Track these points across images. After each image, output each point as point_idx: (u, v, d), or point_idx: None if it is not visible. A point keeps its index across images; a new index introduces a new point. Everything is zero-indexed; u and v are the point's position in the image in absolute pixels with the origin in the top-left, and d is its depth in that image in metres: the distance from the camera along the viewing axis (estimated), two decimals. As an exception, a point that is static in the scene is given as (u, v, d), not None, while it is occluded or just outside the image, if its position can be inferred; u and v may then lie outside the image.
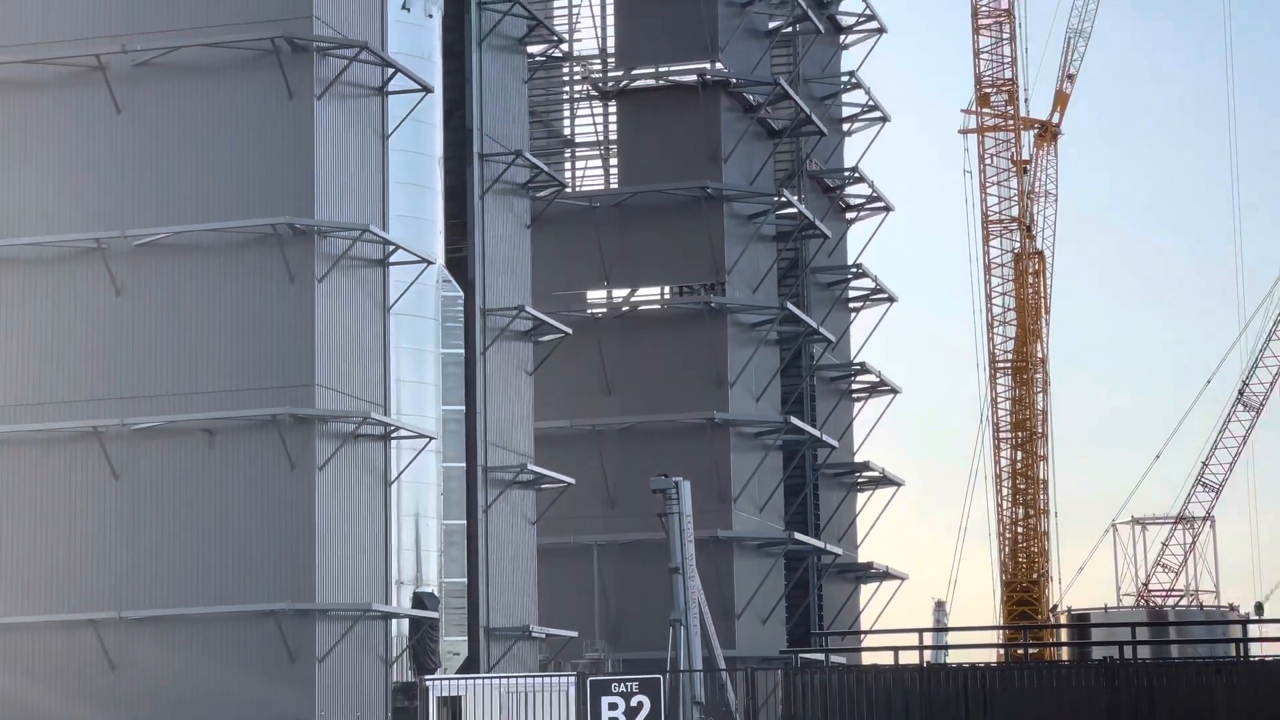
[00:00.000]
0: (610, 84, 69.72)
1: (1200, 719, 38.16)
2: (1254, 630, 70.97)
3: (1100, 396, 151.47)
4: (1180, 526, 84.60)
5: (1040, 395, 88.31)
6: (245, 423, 46.30)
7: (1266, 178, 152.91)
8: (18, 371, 48.09)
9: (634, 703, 41.01)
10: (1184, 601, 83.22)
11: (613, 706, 41.07)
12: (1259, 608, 79.15)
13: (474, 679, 45.98)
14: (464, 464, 53.04)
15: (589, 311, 67.88)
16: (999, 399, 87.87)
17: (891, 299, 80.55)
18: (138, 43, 47.71)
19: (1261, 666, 40.10)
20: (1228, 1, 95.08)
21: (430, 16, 51.99)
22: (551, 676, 44.79)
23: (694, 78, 68.37)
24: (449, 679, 46.89)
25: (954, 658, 45.77)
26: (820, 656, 69.35)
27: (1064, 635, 78.66)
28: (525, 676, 45.97)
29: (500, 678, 46.03)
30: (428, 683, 45.26)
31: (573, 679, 42.56)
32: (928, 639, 70.72)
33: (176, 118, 47.89)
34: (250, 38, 47.11)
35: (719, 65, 68.12)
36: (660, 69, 69.09)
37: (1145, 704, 38.27)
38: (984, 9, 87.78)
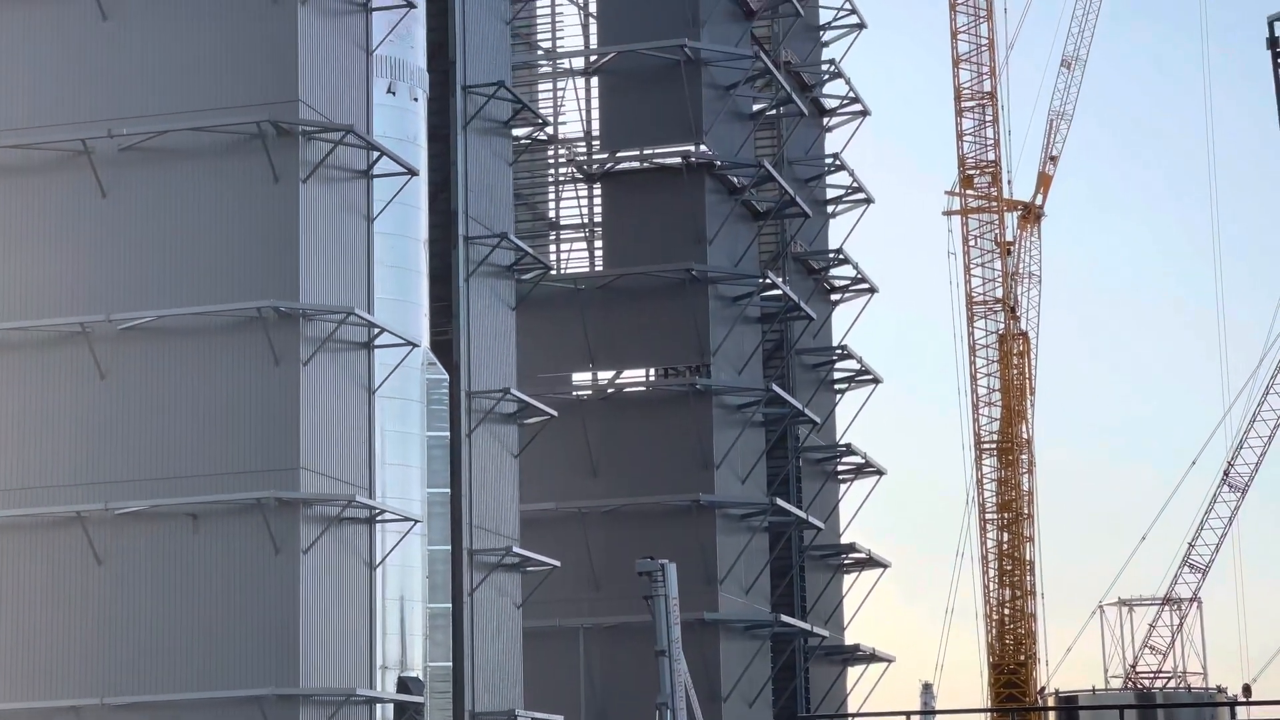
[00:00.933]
0: (595, 166, 69.94)
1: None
2: (1241, 712, 70.81)
3: (1086, 477, 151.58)
4: (1167, 608, 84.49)
5: (1026, 476, 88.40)
6: (229, 506, 46.13)
7: (1250, 256, 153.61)
8: (0, 456, 47.91)
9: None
10: (1172, 683, 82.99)
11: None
12: (1246, 689, 78.93)
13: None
14: (449, 547, 52.86)
15: (574, 394, 67.85)
16: (985, 480, 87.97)
17: (877, 380, 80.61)
18: (123, 127, 47.80)
19: (1251, 749, 39.95)
20: (1209, 81, 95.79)
21: (415, 100, 52.18)
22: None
23: (678, 160, 68.60)
24: (434, 764, 46.59)
25: (942, 741, 45.59)
26: (807, 740, 69.12)
27: (1052, 718, 78.39)
28: (511, 761, 45.73)
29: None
30: (413, 768, 44.99)
31: (559, 764, 42.34)
32: (915, 722, 70.58)
33: (162, 201, 47.94)
34: (236, 122, 47.22)
35: (703, 148, 68.38)
36: (644, 151, 69.33)
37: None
38: (966, 91, 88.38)
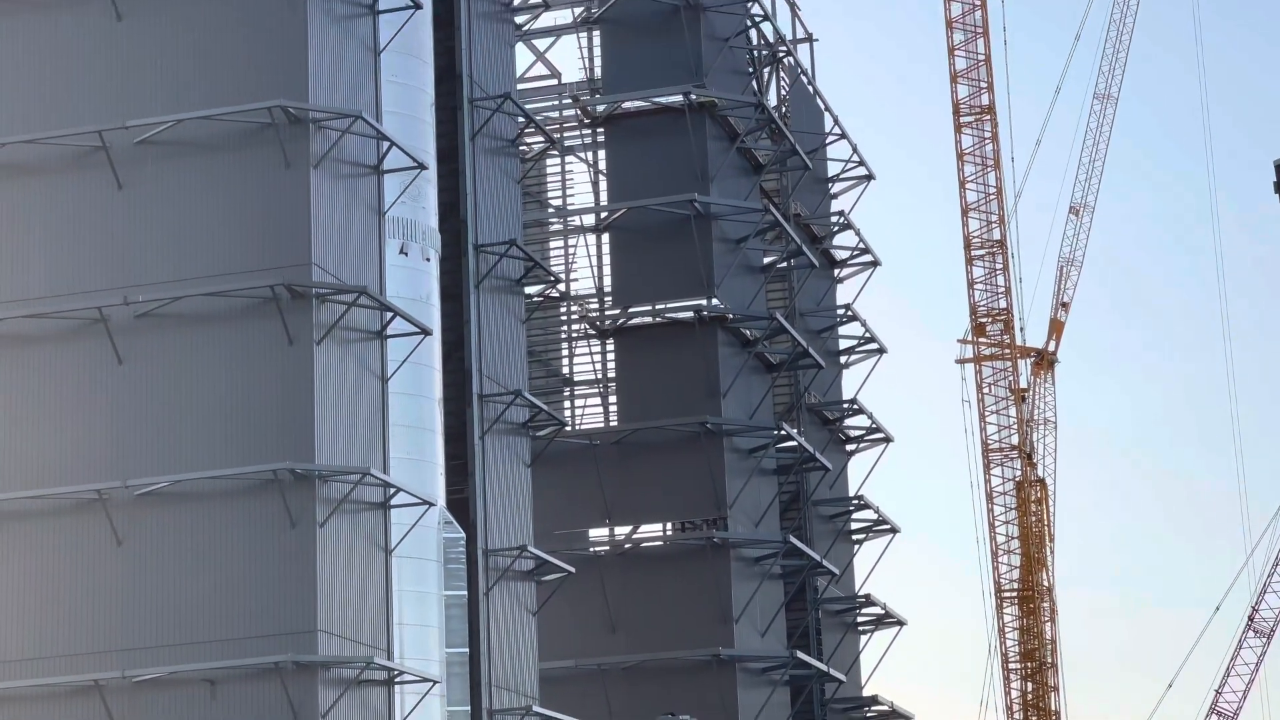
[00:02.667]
0: (607, 322, 70.15)
1: None
2: None
3: (1109, 624, 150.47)
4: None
5: (1048, 624, 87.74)
6: (247, 671, 45.81)
7: (1265, 397, 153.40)
8: (17, 625, 47.65)
9: None
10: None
11: None
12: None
13: None
14: (469, 707, 52.43)
15: (591, 549, 67.57)
16: (1006, 629, 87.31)
17: (894, 530, 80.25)
18: (139, 294, 48.04)
19: None
20: (1218, 226, 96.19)
21: (428, 260, 52.45)
22: None
23: (690, 314, 68.80)
24: None
25: None
26: None
27: None
28: None
29: None
30: None
31: None
32: None
33: (178, 366, 48.04)
34: (250, 286, 47.44)
35: (715, 301, 68.58)
36: (656, 306, 69.55)
37: None
38: (976, 240, 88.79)
